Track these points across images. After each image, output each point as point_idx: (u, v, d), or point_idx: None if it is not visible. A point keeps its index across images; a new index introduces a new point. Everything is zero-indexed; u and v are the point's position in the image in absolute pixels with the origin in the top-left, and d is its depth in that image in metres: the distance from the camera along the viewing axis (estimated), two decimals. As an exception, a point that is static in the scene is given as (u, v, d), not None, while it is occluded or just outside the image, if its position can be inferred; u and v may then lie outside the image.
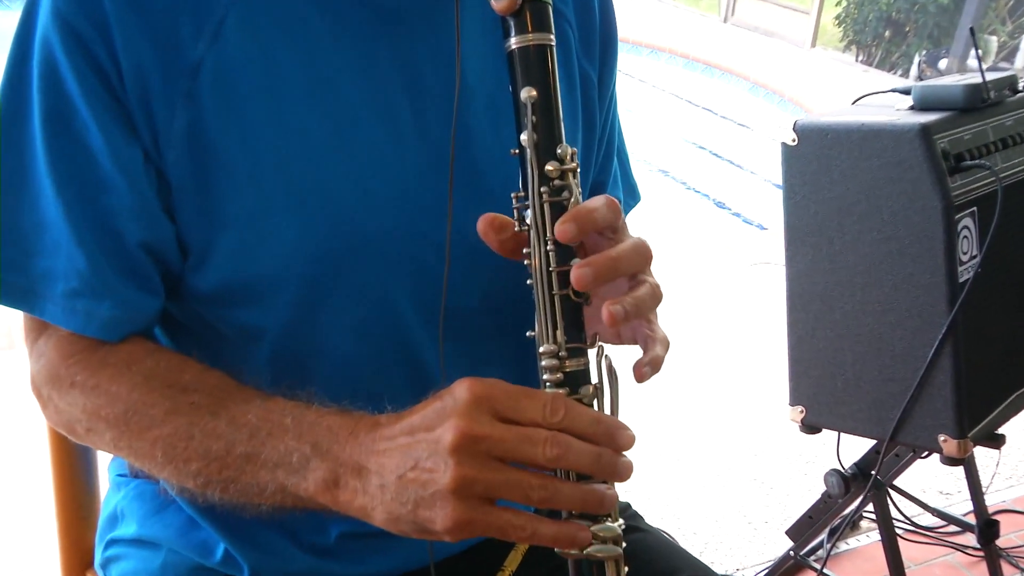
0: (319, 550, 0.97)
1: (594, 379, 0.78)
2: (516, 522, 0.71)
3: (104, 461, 1.14)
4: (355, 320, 0.89)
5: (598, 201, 0.78)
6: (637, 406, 0.75)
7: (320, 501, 0.77)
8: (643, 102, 8.63)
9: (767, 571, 2.14)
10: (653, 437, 2.89)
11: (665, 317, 0.90)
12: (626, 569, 0.77)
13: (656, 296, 0.81)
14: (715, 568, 1.92)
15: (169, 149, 0.82)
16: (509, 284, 0.90)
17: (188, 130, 0.82)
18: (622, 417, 0.77)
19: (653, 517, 2.37)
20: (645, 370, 0.82)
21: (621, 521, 0.76)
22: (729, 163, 7.04)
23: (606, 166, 1.10)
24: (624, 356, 0.83)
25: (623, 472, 0.74)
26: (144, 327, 0.90)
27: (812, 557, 2.12)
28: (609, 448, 0.73)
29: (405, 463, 0.72)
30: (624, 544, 0.76)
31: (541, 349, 0.76)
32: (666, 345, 0.86)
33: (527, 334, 0.78)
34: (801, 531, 2.03)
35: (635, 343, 0.89)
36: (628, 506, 1.12)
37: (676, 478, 2.70)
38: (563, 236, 0.76)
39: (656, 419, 3.00)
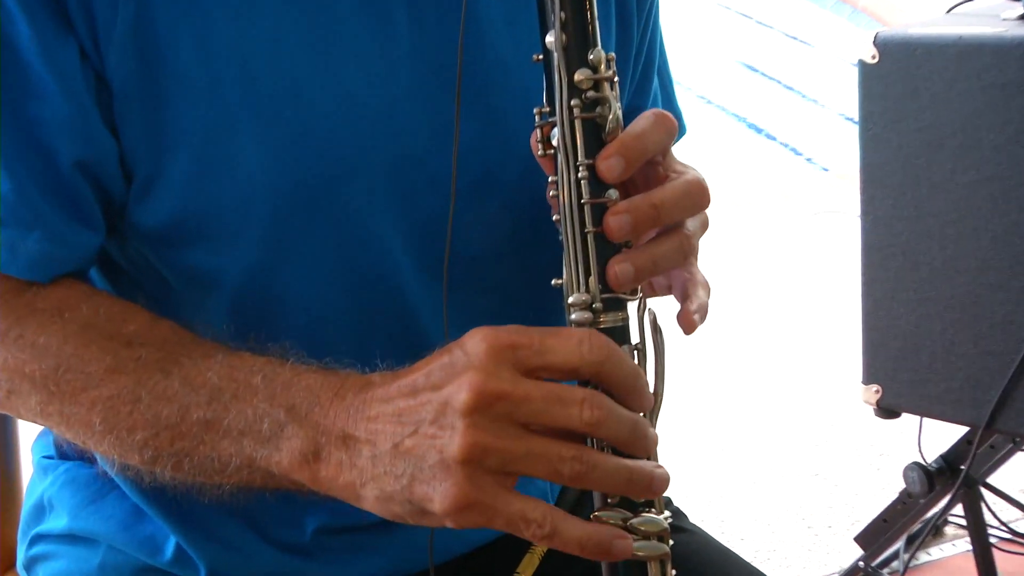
0: (292, 547, 0.97)
1: (634, 338, 0.78)
2: (532, 514, 0.70)
3: (27, 439, 1.15)
4: (335, 264, 0.89)
5: (645, 122, 0.78)
6: (671, 383, 0.77)
7: (296, 478, 0.77)
8: (687, 14, 8.58)
9: (831, 585, 2.17)
10: (691, 421, 2.89)
11: (710, 277, 0.91)
12: (673, 572, 0.77)
13: (685, 249, 0.81)
14: (769, 581, 1.93)
15: (110, 48, 0.82)
16: (527, 222, 0.91)
17: (134, 25, 0.81)
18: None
19: (691, 520, 2.36)
20: (694, 319, 0.82)
21: (667, 513, 0.76)
22: (788, 89, 7.01)
23: (644, 87, 1.09)
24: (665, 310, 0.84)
25: (652, 449, 0.74)
26: (79, 267, 0.90)
27: (886, 569, 2.13)
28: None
29: (404, 429, 0.72)
30: (671, 541, 0.77)
31: (570, 300, 0.77)
32: (708, 290, 0.86)
33: (553, 282, 0.78)
34: (874, 537, 2.04)
35: (668, 293, 0.90)
36: (669, 501, 1.12)
37: (720, 472, 2.70)
38: (609, 174, 0.76)
39: (695, 399, 3.01)
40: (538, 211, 0.88)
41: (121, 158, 0.86)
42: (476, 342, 0.71)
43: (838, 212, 4.29)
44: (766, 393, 3.09)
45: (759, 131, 6.30)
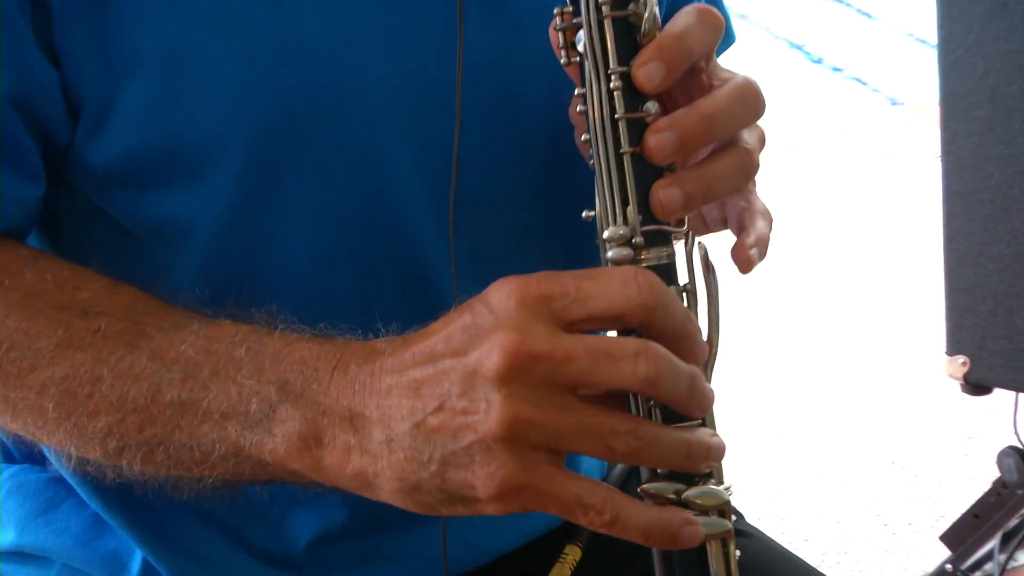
0: (281, 560, 0.98)
1: (682, 278, 0.77)
2: (590, 499, 0.69)
3: (-37, 440, 1.15)
4: (329, 208, 0.89)
5: (687, 19, 0.76)
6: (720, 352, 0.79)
7: (294, 467, 0.76)
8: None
9: (913, 592, 2.18)
10: (742, 399, 2.89)
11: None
12: (738, 553, 0.77)
13: (746, 167, 0.80)
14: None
15: None
16: (558, 152, 0.91)
17: None
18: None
19: (746, 519, 2.37)
20: (752, 253, 0.82)
21: (728, 484, 0.77)
22: (849, 7, 6.98)
23: None
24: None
25: (709, 409, 0.74)
26: (18, 226, 0.89)
27: (978, 572, 2.13)
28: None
29: (425, 404, 0.71)
30: (734, 517, 0.77)
31: (605, 234, 0.76)
32: (770, 221, 0.86)
33: (584, 215, 0.78)
34: (963, 536, 2.04)
35: (722, 228, 0.89)
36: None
37: (778, 460, 2.71)
38: (647, 83, 0.75)
39: (746, 373, 3.00)
40: (571, 138, 0.88)
41: (64, 89, 0.85)
42: (503, 295, 0.70)
43: (913, 152, 4.28)
44: (831, 366, 3.09)
45: (816, 60, 6.27)
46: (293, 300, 0.83)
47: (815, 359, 3.14)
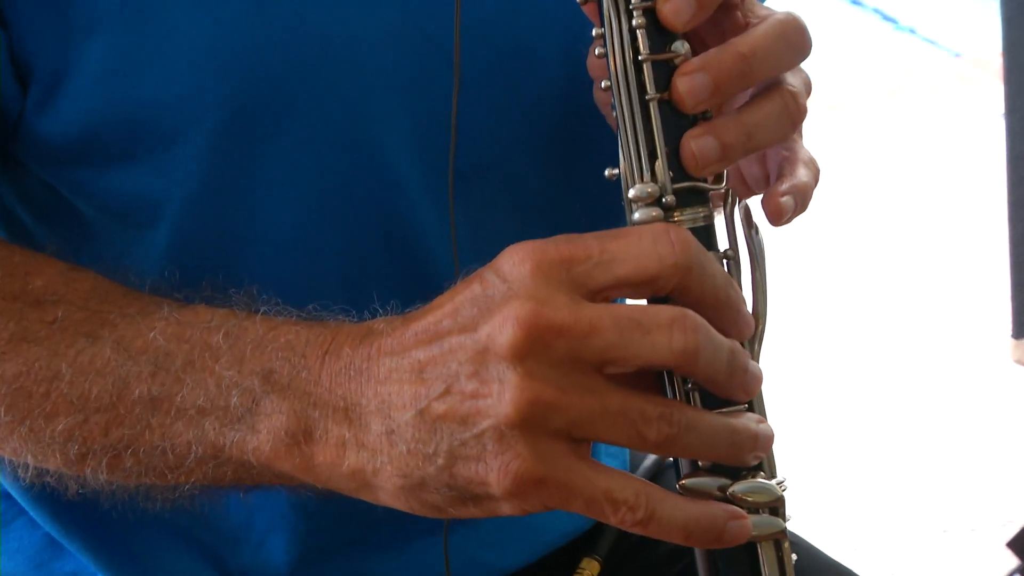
0: None
1: (722, 243, 0.76)
2: (621, 493, 0.68)
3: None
4: (314, 177, 0.89)
5: None
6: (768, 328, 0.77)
7: (282, 468, 0.75)
8: None
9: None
10: (785, 389, 2.88)
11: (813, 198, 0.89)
12: (795, 557, 0.76)
13: (791, 112, 0.78)
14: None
15: None
16: (575, 114, 0.90)
17: None
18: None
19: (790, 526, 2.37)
20: (784, 201, 0.80)
21: (782, 477, 0.76)
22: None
23: None
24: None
25: (755, 391, 0.73)
26: None
27: (1050, 583, 2.13)
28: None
29: (430, 389, 0.69)
30: (788, 516, 0.76)
31: (631, 193, 0.74)
32: (815, 170, 0.84)
33: (607, 173, 0.76)
34: (1033, 542, 2.04)
35: (766, 183, 0.87)
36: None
37: (821, 458, 2.71)
38: (675, 18, 0.73)
39: (790, 359, 2.99)
40: (589, 98, 0.88)
41: (12, 54, 0.84)
42: (516, 262, 0.69)
43: (973, 111, 4.27)
44: (879, 351, 3.08)
45: (862, 5, 6.26)
46: (276, 283, 0.82)
47: (862, 344, 3.13)
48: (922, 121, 4.34)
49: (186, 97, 0.84)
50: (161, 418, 0.78)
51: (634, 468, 1.11)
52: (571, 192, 0.94)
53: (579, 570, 1.04)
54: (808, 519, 2.44)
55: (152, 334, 0.79)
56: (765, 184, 0.88)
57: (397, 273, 0.92)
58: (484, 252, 0.76)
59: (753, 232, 0.77)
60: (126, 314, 0.81)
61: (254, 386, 0.75)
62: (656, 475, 1.09)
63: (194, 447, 0.77)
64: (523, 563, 1.04)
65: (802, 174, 0.83)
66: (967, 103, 4.35)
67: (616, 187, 0.76)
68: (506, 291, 0.69)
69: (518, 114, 0.92)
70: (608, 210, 0.78)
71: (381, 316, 0.75)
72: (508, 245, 0.73)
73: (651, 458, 1.13)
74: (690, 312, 0.68)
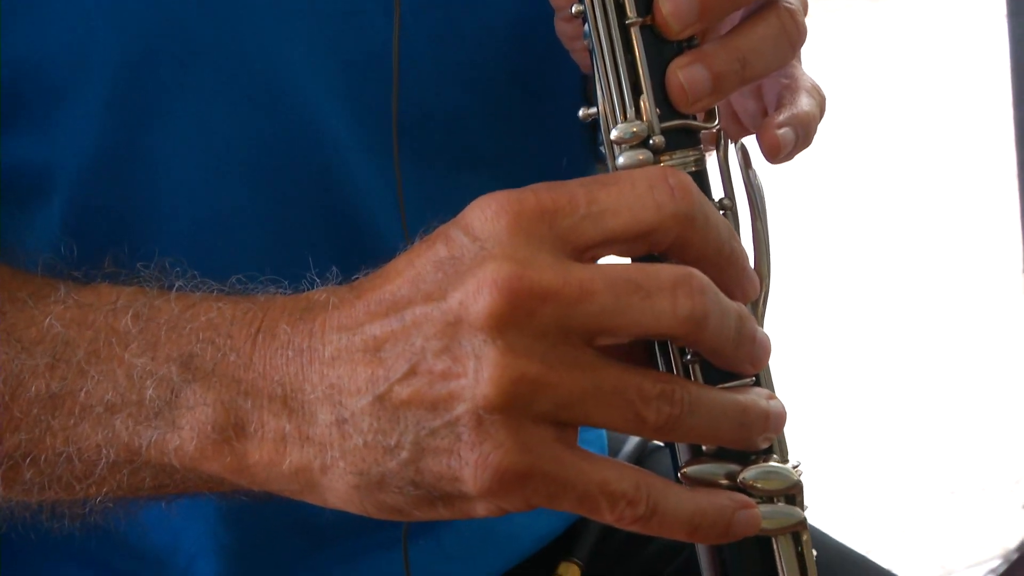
0: None
1: (717, 191, 0.70)
2: (618, 484, 0.63)
3: None
4: (226, 137, 0.85)
5: None
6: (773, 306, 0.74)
7: (210, 470, 0.70)
8: None
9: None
10: (802, 367, 2.86)
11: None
12: (815, 553, 0.72)
13: (789, 33, 0.73)
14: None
15: None
16: (526, 42, 0.89)
17: None
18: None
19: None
20: (783, 133, 0.76)
21: (797, 461, 0.71)
22: None
23: None
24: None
25: (765, 361, 0.69)
26: None
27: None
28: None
29: (390, 369, 0.64)
30: (807, 506, 0.72)
31: (613, 135, 0.69)
32: (820, 99, 0.81)
33: (581, 114, 0.71)
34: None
35: (763, 118, 0.82)
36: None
37: (822, 420, 2.69)
38: None
39: (786, 321, 2.93)
40: (549, 27, 0.84)
41: None
42: (489, 216, 0.64)
43: (975, 10, 4.26)
44: (885, 306, 3.09)
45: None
46: (191, 259, 0.78)
47: (863, 295, 3.15)
48: (923, 27, 4.39)
49: (75, 49, 0.82)
50: (64, 419, 0.73)
51: (613, 454, 1.08)
52: (528, 139, 0.92)
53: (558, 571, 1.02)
54: (826, 506, 2.43)
55: (48, 320, 0.75)
56: (763, 119, 0.84)
57: (333, 239, 0.90)
58: (431, 211, 0.71)
59: (752, 176, 0.74)
60: (16, 299, 0.77)
61: (172, 375, 0.71)
62: (639, 461, 1.07)
63: (104, 451, 0.72)
64: (495, 573, 1.01)
65: (804, 103, 0.80)
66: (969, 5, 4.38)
67: (579, 133, 0.76)
68: (478, 251, 0.64)
69: (460, 51, 0.90)
70: (572, 159, 0.77)
71: (320, 287, 0.70)
72: (456, 201, 0.68)
73: (632, 441, 1.11)
74: (696, 271, 0.64)
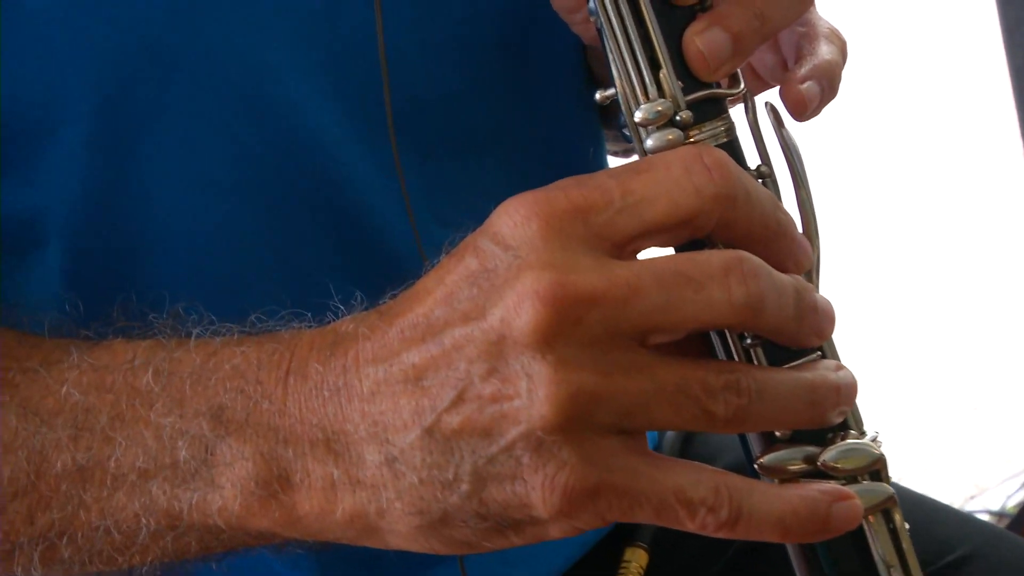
0: None
1: (751, 158, 0.67)
2: (695, 491, 0.60)
3: None
4: (218, 158, 0.82)
5: None
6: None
7: (258, 526, 0.66)
8: None
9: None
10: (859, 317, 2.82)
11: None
12: (907, 526, 0.68)
13: None
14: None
15: None
16: (510, 16, 0.86)
17: None
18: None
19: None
20: (808, 87, 0.73)
21: (875, 432, 0.67)
22: None
23: None
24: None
25: (829, 333, 0.64)
26: None
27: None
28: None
29: (436, 399, 0.60)
30: (891, 478, 0.68)
31: (637, 116, 0.65)
32: (839, 43, 0.78)
33: (597, 96, 0.67)
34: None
35: (783, 71, 0.80)
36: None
37: (865, 373, 2.69)
38: None
39: (860, 281, 2.95)
40: (540, 4, 0.81)
41: None
42: (519, 221, 0.60)
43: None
44: (902, 227, 3.10)
45: None
46: (201, 292, 0.75)
47: (881, 221, 3.18)
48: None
49: (47, 86, 0.78)
50: (96, 491, 0.70)
51: (656, 447, 1.03)
52: (529, 115, 0.89)
53: (624, 563, 0.98)
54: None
55: (64, 388, 0.71)
56: (783, 72, 0.80)
57: (340, 242, 0.87)
58: (437, 200, 0.71)
59: (786, 136, 0.69)
60: (27, 368, 0.74)
61: (203, 431, 0.67)
62: (683, 451, 1.03)
63: (144, 519, 0.69)
64: (557, 569, 0.98)
65: (825, 51, 0.77)
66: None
67: (582, 103, 0.73)
68: (512, 261, 0.60)
69: (446, 31, 0.87)
70: (580, 139, 0.74)
71: (346, 316, 0.66)
72: (462, 188, 0.68)
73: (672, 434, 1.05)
74: (745, 254, 0.60)
